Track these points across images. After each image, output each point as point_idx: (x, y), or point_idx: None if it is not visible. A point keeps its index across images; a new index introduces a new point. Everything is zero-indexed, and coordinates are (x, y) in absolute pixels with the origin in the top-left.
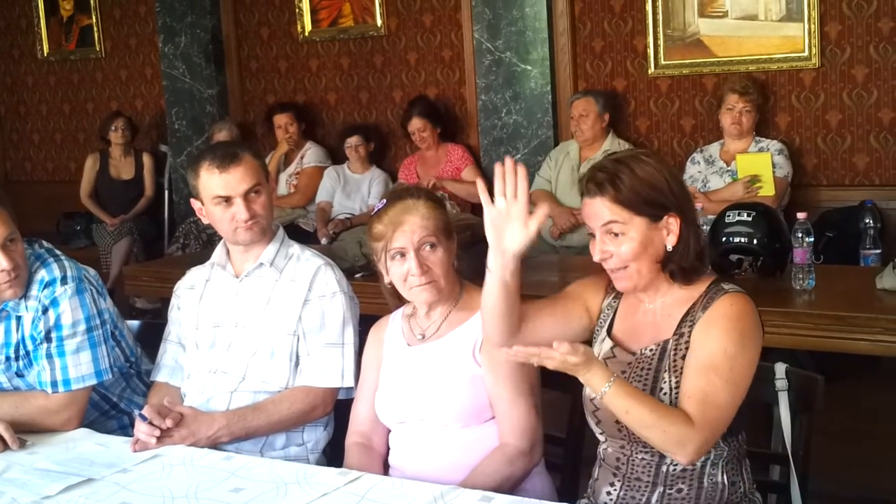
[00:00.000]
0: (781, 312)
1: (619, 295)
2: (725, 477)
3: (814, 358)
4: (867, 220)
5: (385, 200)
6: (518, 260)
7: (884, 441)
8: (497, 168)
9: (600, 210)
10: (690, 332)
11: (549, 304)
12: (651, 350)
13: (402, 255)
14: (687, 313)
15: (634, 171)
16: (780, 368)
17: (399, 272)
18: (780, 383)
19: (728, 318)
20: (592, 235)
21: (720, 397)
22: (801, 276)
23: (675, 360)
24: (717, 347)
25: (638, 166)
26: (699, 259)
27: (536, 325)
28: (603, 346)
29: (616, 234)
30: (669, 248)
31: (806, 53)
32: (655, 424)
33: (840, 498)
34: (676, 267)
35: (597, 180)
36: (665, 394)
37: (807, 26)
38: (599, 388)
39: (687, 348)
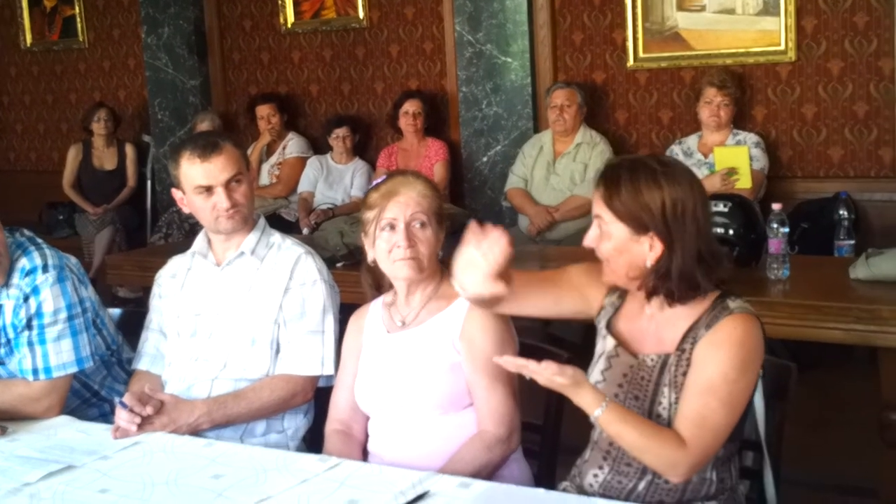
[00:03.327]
0: (756, 302)
1: (623, 294)
2: (715, 474)
3: (788, 346)
4: (841, 212)
5: (385, 176)
6: (473, 299)
7: (856, 429)
8: (485, 229)
9: (596, 202)
10: (692, 349)
11: (542, 282)
12: (652, 360)
13: (392, 227)
14: (690, 329)
15: (638, 187)
16: None
17: (386, 244)
18: None
19: (731, 343)
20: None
21: (716, 420)
22: (776, 266)
23: (675, 377)
24: (717, 371)
25: (646, 184)
26: (688, 287)
27: (526, 296)
28: (606, 343)
29: (601, 229)
30: (649, 264)
31: (782, 47)
32: (647, 449)
33: (812, 484)
34: (660, 285)
35: (604, 175)
36: (664, 408)
37: (783, 20)
38: (592, 410)
39: (687, 365)
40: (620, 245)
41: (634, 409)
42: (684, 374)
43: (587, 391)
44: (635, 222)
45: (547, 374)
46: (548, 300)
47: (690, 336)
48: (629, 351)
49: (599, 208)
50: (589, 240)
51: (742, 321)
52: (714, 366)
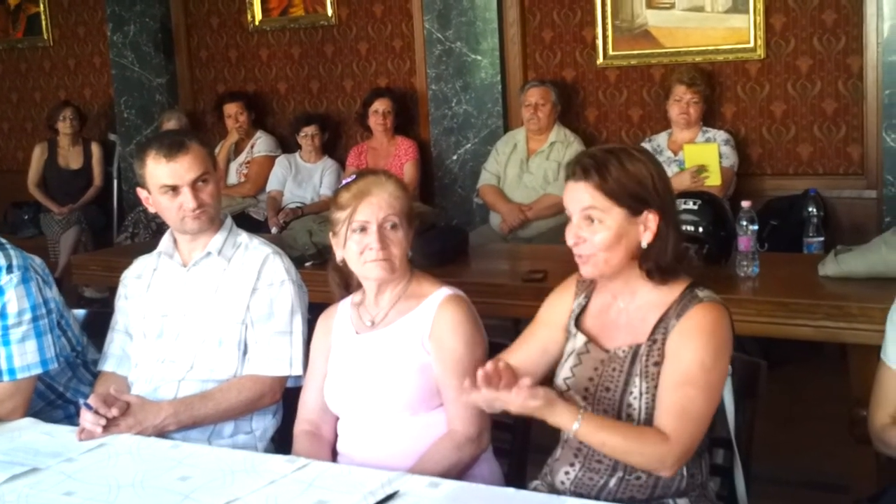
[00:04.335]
0: (726, 299)
1: (589, 294)
2: (685, 469)
3: (758, 343)
4: (810, 209)
5: (354, 175)
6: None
7: (825, 425)
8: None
9: (582, 195)
10: (664, 339)
11: (524, 344)
12: (623, 351)
13: (364, 228)
14: (661, 319)
15: (623, 164)
16: None
17: (357, 246)
18: None
19: (703, 331)
20: (570, 218)
21: (697, 408)
22: (745, 263)
23: (647, 366)
24: (692, 360)
25: (628, 160)
26: (678, 260)
27: (525, 369)
28: (576, 340)
29: (593, 221)
30: (644, 244)
31: (751, 45)
32: (632, 450)
33: (782, 481)
34: (654, 265)
35: (584, 165)
36: (635, 398)
37: (752, 18)
38: (570, 426)
39: (660, 355)
40: (619, 230)
41: (605, 400)
42: (656, 363)
43: (561, 408)
44: (633, 200)
45: (519, 400)
46: (537, 354)
47: (661, 326)
48: (600, 346)
49: (592, 199)
50: (573, 237)
51: (711, 309)
52: (689, 355)
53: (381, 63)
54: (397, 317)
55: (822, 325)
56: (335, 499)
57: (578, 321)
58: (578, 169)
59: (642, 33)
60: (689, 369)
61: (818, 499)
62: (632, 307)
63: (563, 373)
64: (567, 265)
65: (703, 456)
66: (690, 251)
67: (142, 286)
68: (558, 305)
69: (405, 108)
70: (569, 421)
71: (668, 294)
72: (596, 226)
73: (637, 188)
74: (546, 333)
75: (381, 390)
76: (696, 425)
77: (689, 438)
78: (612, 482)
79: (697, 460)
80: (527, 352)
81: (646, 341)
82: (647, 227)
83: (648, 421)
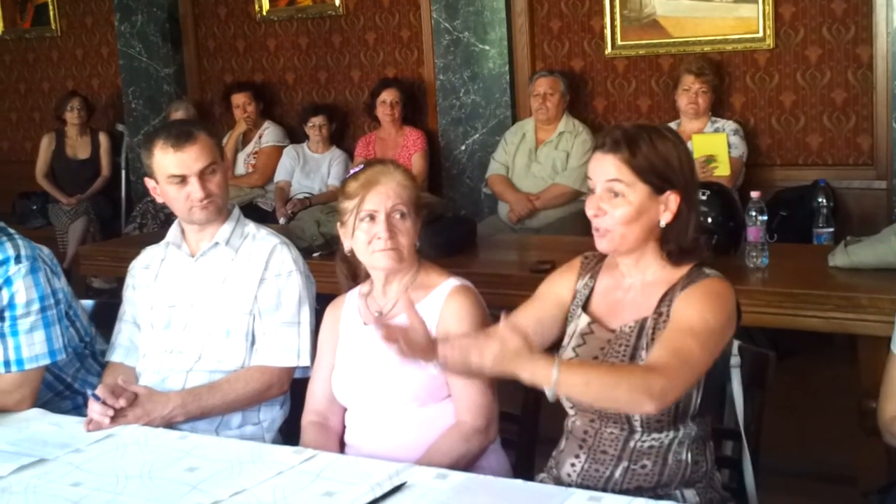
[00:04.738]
0: (735, 290)
1: (595, 274)
2: (690, 456)
3: (767, 334)
4: (820, 200)
5: (362, 165)
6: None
7: (834, 417)
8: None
9: (608, 167)
10: (669, 309)
11: (519, 315)
12: (630, 327)
13: (372, 217)
14: (666, 293)
15: (653, 141)
16: (733, 345)
17: (366, 235)
18: (734, 360)
19: (710, 294)
20: (592, 191)
21: (691, 353)
22: (754, 254)
23: (653, 339)
24: (696, 314)
25: (658, 138)
26: (697, 243)
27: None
28: (580, 322)
29: (616, 195)
30: (663, 223)
31: (760, 34)
32: (619, 381)
33: (791, 473)
34: (675, 246)
35: (615, 138)
36: None
37: (761, 7)
38: (549, 372)
39: (664, 324)
40: (640, 206)
41: None
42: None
43: (538, 357)
44: (658, 178)
45: (496, 344)
46: (534, 327)
47: (667, 299)
48: (605, 327)
49: (618, 171)
50: (594, 208)
51: (719, 282)
52: (695, 310)
53: (389, 53)
54: (405, 307)
55: (832, 316)
56: (342, 490)
57: (585, 305)
58: (609, 140)
59: (651, 23)
60: (691, 320)
61: (827, 491)
62: (639, 284)
63: (567, 354)
64: (575, 256)
65: (707, 443)
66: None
67: (150, 276)
68: (559, 282)
69: (413, 99)
70: (547, 366)
71: (675, 273)
72: (618, 199)
73: (664, 167)
74: (540, 305)
75: (388, 381)
76: (687, 369)
77: (677, 377)
78: (618, 472)
79: (702, 447)
80: (523, 321)
81: (651, 314)
82: (668, 206)
83: None
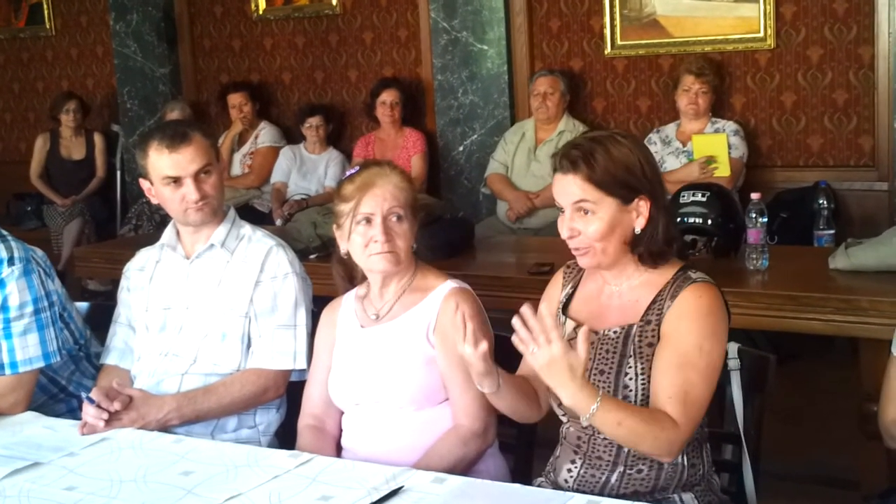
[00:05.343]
0: (735, 292)
1: (576, 282)
2: (686, 459)
3: (767, 337)
4: (821, 201)
5: (358, 167)
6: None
7: (835, 421)
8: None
9: (572, 188)
10: (658, 321)
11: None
12: (615, 332)
13: (369, 220)
14: (654, 300)
15: (609, 151)
16: (733, 348)
17: (362, 238)
18: (733, 363)
19: (698, 312)
20: (562, 211)
21: (698, 392)
22: (754, 256)
23: (640, 347)
24: (691, 343)
25: (614, 146)
26: (668, 244)
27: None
28: (566, 327)
29: (586, 213)
30: (638, 230)
31: (761, 34)
32: (647, 433)
33: (791, 477)
34: (645, 250)
35: (571, 157)
36: (630, 379)
37: (762, 7)
38: (589, 405)
39: (653, 336)
40: (612, 220)
41: (601, 383)
42: (649, 345)
43: (585, 386)
44: (624, 189)
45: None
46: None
47: (655, 307)
48: (589, 329)
49: (583, 191)
50: (567, 230)
51: (705, 290)
52: (686, 338)
53: (387, 53)
54: (402, 310)
55: (832, 319)
56: (339, 494)
57: (565, 309)
58: (565, 161)
59: (650, 23)
60: (687, 353)
61: (827, 495)
62: (624, 289)
63: None
64: (574, 258)
65: (703, 446)
66: (685, 237)
67: (144, 278)
68: (549, 297)
69: (411, 99)
70: (589, 398)
71: (661, 276)
72: (589, 217)
73: (626, 176)
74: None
75: (385, 384)
76: (698, 410)
77: (693, 424)
78: (614, 477)
79: (698, 450)
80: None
81: (638, 322)
82: (640, 213)
83: (644, 402)
